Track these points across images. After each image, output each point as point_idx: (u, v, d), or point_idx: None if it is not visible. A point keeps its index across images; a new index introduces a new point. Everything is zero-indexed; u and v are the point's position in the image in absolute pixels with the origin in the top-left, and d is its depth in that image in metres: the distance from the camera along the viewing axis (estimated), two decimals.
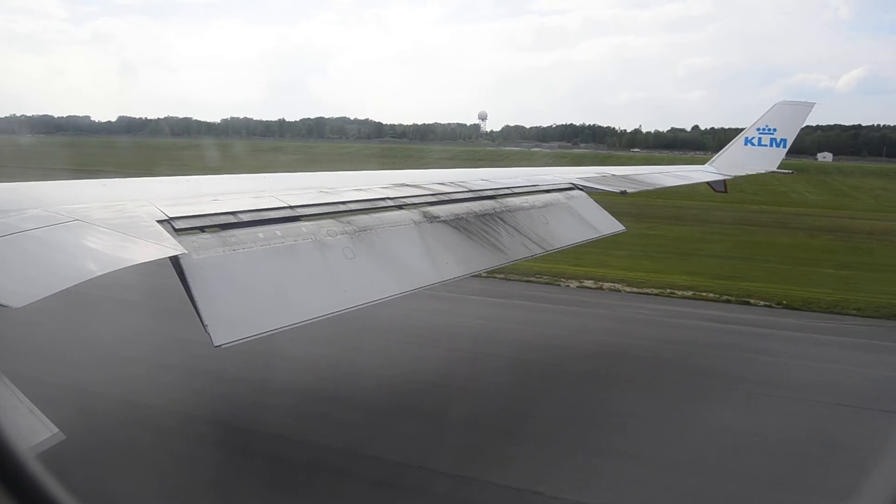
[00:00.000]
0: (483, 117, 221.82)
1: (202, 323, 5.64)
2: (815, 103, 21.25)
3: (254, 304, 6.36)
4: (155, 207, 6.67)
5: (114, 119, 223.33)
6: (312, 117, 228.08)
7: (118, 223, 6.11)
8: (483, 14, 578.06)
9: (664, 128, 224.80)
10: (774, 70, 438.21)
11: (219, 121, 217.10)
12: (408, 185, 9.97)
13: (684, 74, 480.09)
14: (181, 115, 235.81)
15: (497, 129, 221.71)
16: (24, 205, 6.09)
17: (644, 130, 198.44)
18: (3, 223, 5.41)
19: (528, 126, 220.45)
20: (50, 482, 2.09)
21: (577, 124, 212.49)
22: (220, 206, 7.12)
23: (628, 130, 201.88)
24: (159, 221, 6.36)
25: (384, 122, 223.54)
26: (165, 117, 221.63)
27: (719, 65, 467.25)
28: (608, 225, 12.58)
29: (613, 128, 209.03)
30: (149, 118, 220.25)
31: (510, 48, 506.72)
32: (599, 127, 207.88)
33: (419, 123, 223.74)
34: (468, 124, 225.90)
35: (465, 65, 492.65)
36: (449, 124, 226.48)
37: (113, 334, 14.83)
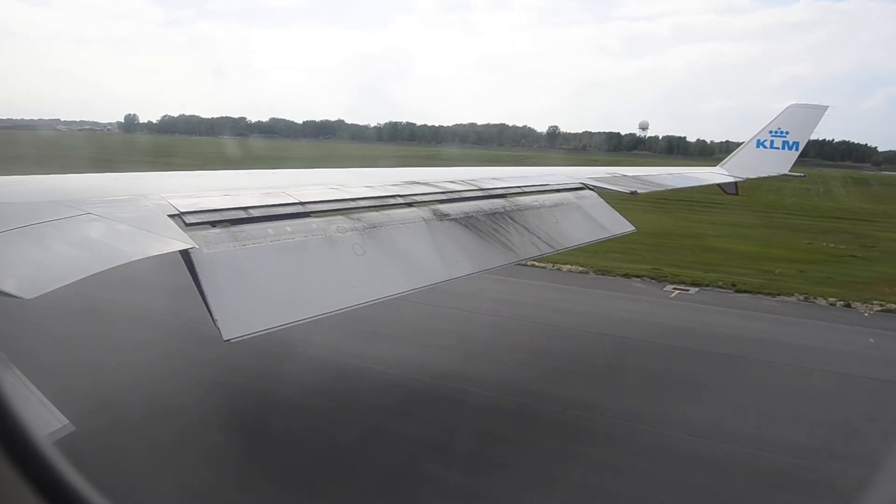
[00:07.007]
0: (644, 127, 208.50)
1: (211, 317, 5.64)
2: (828, 106, 21.00)
3: (263, 299, 6.36)
4: (166, 202, 6.68)
5: (265, 120, 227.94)
6: (480, 123, 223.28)
7: (129, 217, 6.12)
8: (569, 18, 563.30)
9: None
10: (877, 78, 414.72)
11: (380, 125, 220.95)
12: (418, 183, 9.95)
13: (778, 82, 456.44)
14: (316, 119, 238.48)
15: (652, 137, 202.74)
16: (37, 198, 6.12)
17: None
18: (16, 216, 5.43)
19: (692, 139, 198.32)
20: (68, 470, 2.08)
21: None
22: (231, 202, 7.13)
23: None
24: (170, 216, 6.37)
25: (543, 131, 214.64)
26: (337, 120, 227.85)
27: (817, 73, 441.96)
28: (618, 225, 12.55)
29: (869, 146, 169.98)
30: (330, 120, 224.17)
31: (596, 54, 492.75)
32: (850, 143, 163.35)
33: (579, 132, 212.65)
34: (622, 133, 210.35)
35: (549, 69, 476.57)
36: (601, 133, 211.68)
37: None
